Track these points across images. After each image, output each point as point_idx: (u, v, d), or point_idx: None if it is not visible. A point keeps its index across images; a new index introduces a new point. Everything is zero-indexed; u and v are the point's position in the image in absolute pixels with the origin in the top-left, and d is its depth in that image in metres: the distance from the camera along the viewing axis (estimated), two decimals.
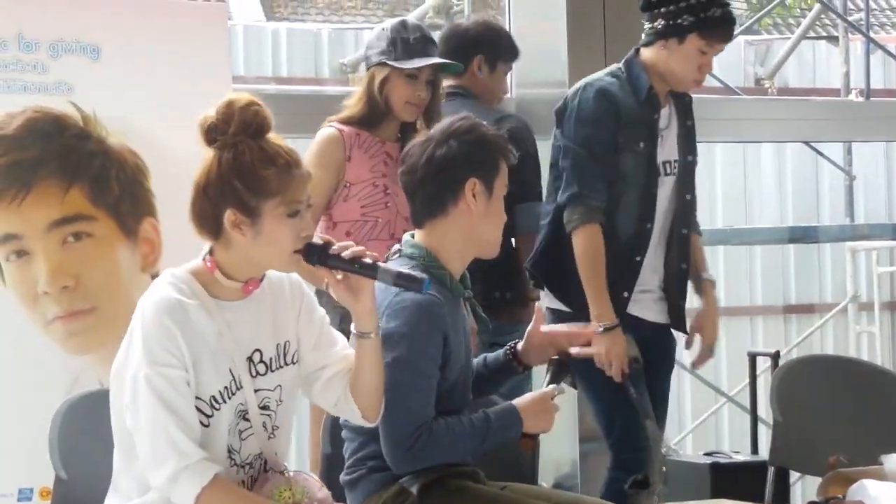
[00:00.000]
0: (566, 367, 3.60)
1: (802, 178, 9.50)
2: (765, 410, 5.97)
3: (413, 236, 3.53)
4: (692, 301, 4.67)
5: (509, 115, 5.32)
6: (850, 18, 9.17)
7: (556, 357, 3.61)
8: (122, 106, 4.76)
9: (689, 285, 4.61)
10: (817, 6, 9.37)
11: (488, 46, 5.25)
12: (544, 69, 5.90)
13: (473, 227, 3.47)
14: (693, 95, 4.71)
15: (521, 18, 6.20)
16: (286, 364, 3.16)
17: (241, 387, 3.06)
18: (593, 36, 5.88)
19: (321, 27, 9.51)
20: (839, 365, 4.83)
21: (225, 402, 3.04)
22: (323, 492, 3.18)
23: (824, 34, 12.36)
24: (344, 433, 3.52)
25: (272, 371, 3.13)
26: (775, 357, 5.69)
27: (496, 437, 3.43)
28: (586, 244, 4.36)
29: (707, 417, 8.54)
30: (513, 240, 4.96)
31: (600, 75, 4.55)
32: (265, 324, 3.12)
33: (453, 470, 3.44)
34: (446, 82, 5.05)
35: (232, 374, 3.05)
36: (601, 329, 4.25)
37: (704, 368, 4.98)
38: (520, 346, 3.65)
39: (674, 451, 5.15)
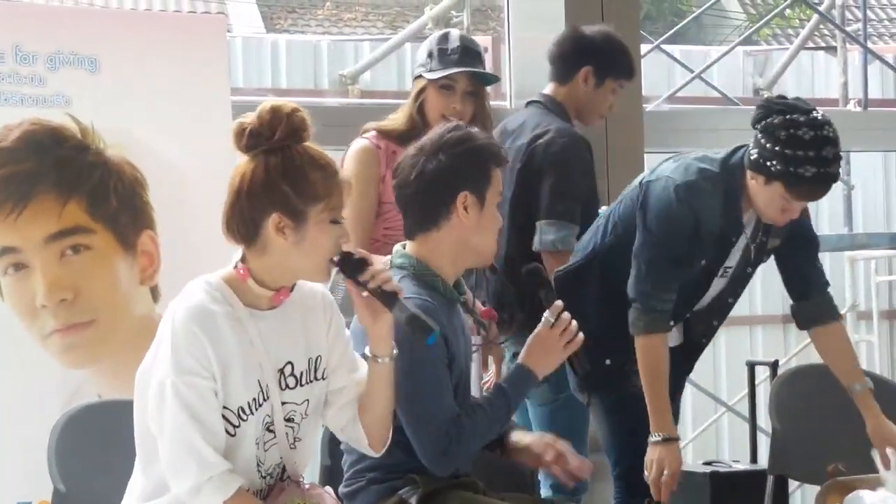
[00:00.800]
0: (545, 284, 3.61)
1: None
2: (764, 419, 5.96)
3: (404, 247, 3.54)
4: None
5: (565, 132, 4.86)
6: (847, 29, 9.18)
7: (536, 285, 3.61)
8: (121, 118, 4.76)
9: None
10: (816, 17, 9.38)
11: (600, 58, 4.91)
12: (543, 80, 5.90)
13: (466, 239, 3.47)
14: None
15: (521, 30, 6.21)
16: (317, 379, 3.16)
17: (268, 398, 3.05)
18: None
19: (321, 39, 9.53)
20: None
21: (253, 413, 3.03)
22: None
23: (822, 45, 12.37)
24: (343, 446, 3.52)
25: (301, 385, 3.13)
26: (774, 366, 5.68)
27: (517, 401, 3.51)
28: (651, 355, 4.19)
29: (707, 427, 8.54)
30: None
31: (698, 178, 4.17)
32: (297, 336, 3.12)
33: (453, 481, 3.45)
34: (545, 90, 4.94)
35: (260, 385, 3.04)
36: (659, 438, 4.14)
37: (704, 377, 4.97)
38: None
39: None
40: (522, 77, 6.16)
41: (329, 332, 3.19)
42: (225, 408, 2.99)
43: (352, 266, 3.08)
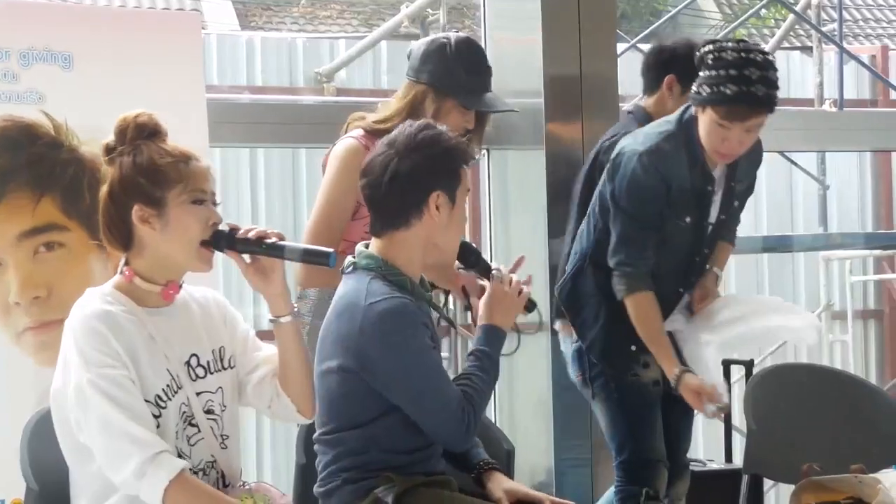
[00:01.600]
0: (470, 250, 3.72)
1: (776, 187, 9.52)
2: (739, 419, 5.98)
3: (367, 247, 3.54)
4: None
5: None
6: (823, 29, 9.20)
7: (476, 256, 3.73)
8: (95, 115, 4.72)
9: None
10: (791, 17, 9.40)
11: (683, 66, 4.81)
12: (520, 80, 5.89)
13: (435, 238, 3.50)
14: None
15: (497, 29, 6.20)
16: (224, 368, 3.23)
17: (182, 386, 3.11)
18: (569, 46, 5.88)
19: (296, 37, 9.51)
20: (812, 374, 4.85)
21: (170, 399, 3.08)
22: (284, 499, 3.21)
23: (798, 45, 12.41)
24: (316, 447, 3.52)
25: (211, 374, 3.19)
26: (749, 366, 5.69)
27: (497, 358, 3.58)
28: (639, 312, 4.34)
29: None
30: None
31: (658, 141, 4.34)
32: (197, 330, 3.20)
33: (428, 479, 3.44)
34: (641, 101, 4.93)
35: (170, 373, 3.10)
36: (676, 376, 4.25)
37: None
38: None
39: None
40: (498, 75, 6.15)
41: (226, 322, 3.27)
42: (146, 401, 3.04)
43: (225, 238, 3.14)
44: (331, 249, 3.21)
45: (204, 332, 3.21)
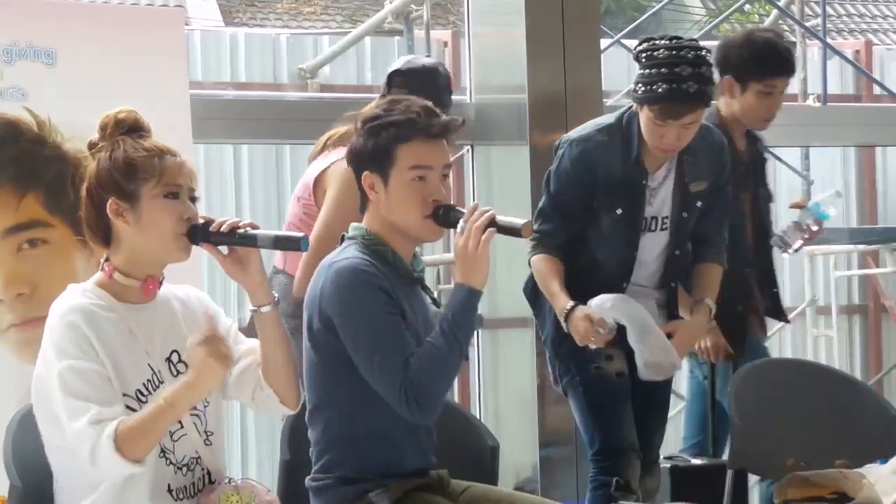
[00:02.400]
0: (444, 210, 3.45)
1: None
2: None
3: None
4: None
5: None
6: (807, 24, 9.21)
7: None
8: (78, 111, 4.71)
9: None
10: (775, 12, 9.41)
11: (735, 65, 4.90)
12: (504, 75, 5.91)
13: (388, 216, 3.44)
14: None
15: (481, 25, 6.21)
16: None
17: (163, 381, 3.11)
18: (552, 41, 5.89)
19: (280, 32, 9.48)
20: (797, 369, 4.86)
21: (150, 394, 3.09)
22: (270, 496, 3.21)
23: None
24: (310, 433, 3.49)
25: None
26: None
27: (466, 320, 3.36)
28: (536, 269, 4.45)
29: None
30: None
31: (592, 131, 4.44)
32: (179, 326, 3.20)
33: (422, 482, 3.43)
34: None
35: (151, 368, 3.11)
36: (566, 312, 4.32)
37: None
38: None
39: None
40: (482, 71, 6.16)
41: (207, 316, 3.26)
42: (125, 395, 3.05)
43: (201, 231, 3.16)
44: (302, 234, 3.22)
45: (185, 328, 3.21)
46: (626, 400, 4.46)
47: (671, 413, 4.51)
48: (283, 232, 3.27)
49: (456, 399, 6.98)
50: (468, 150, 6.41)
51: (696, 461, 5.21)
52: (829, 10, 11.30)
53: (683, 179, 4.46)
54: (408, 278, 3.47)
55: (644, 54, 4.28)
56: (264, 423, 7.77)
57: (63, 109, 4.71)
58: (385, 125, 3.42)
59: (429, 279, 5.04)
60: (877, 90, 9.30)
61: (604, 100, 6.32)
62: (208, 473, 3.19)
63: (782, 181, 9.59)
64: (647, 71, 4.26)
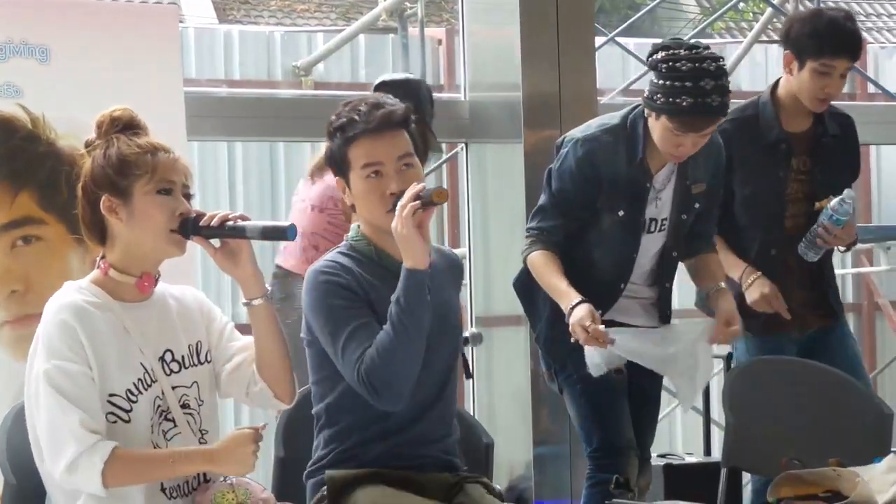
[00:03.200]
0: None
1: None
2: (717, 412, 5.99)
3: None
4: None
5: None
6: None
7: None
8: (72, 108, 4.72)
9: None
10: (769, 10, 9.41)
11: (795, 40, 4.82)
12: (498, 72, 5.91)
13: (361, 216, 3.48)
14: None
15: (475, 22, 6.21)
16: (200, 363, 3.24)
17: (156, 380, 3.12)
18: (546, 39, 5.89)
19: (274, 30, 9.47)
20: (791, 367, 4.84)
21: (141, 393, 3.09)
22: (265, 493, 3.21)
23: (776, 38, 12.41)
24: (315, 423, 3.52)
25: (186, 368, 3.20)
26: (728, 359, 5.70)
27: (409, 302, 3.33)
28: (534, 265, 4.41)
29: (661, 419, 8.55)
30: None
31: (598, 131, 4.41)
32: (174, 325, 3.21)
33: (362, 472, 3.43)
34: None
35: (144, 366, 3.12)
36: (572, 306, 4.24)
37: None
38: None
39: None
40: (477, 69, 6.16)
41: (203, 316, 3.29)
42: (113, 394, 3.06)
43: (192, 224, 3.18)
44: (289, 223, 3.24)
45: (180, 326, 3.22)
46: (624, 397, 4.46)
47: (661, 414, 4.55)
48: (271, 222, 3.28)
49: None
50: (462, 149, 6.41)
51: (690, 459, 5.22)
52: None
53: (685, 181, 4.44)
54: (396, 272, 3.45)
55: (665, 64, 4.20)
56: (258, 420, 7.76)
57: (57, 107, 4.71)
58: (333, 130, 3.48)
59: None
60: (871, 88, 9.31)
61: (598, 98, 6.32)
62: (203, 471, 3.18)
63: None
64: (669, 83, 4.18)
